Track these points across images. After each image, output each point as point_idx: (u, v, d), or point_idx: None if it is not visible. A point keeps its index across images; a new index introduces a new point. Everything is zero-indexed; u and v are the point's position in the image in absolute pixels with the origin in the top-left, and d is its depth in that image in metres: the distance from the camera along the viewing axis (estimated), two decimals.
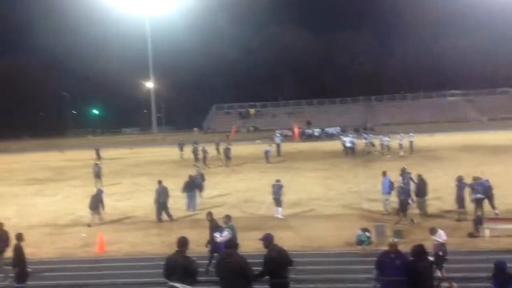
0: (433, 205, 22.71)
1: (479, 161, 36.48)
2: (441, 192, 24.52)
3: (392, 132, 50.32)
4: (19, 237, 14.32)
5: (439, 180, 28.06)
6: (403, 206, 20.16)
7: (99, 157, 48.26)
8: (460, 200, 20.28)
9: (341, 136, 50.05)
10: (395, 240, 12.07)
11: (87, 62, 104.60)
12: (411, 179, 22.26)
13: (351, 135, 50.56)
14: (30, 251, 14.64)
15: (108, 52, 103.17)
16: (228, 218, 15.80)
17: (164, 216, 22.37)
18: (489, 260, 15.35)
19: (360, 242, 17.32)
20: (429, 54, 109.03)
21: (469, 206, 20.34)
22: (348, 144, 46.06)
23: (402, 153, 43.17)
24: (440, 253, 13.91)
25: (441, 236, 14.43)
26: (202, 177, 26.07)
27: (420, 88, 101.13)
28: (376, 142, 47.33)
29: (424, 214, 20.77)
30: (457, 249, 16.55)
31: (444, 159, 39.44)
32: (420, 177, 21.55)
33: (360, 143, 48.70)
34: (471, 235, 17.73)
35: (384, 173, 22.92)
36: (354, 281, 13.44)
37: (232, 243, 10.94)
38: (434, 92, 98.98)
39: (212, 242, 15.40)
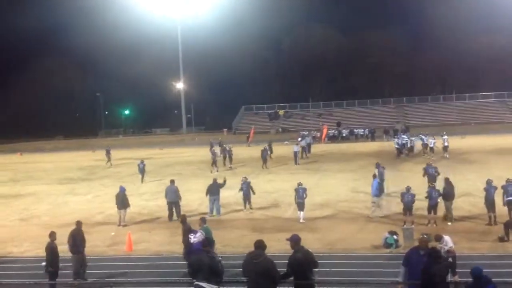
0: (463, 208, 22.44)
1: (511, 164, 35.76)
2: (472, 196, 24.16)
3: (421, 134, 49.66)
4: (52, 235, 14.66)
5: (469, 183, 27.64)
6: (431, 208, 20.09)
7: (109, 158, 48.97)
8: (489, 204, 19.96)
9: (395, 138, 48.18)
10: (426, 236, 11.98)
11: (119, 63, 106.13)
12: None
13: (405, 136, 48.27)
14: (61, 248, 14.94)
15: (140, 53, 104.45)
16: (203, 220, 15.80)
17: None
18: None
19: (387, 245, 17.20)
20: (462, 54, 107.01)
21: (501, 209, 20.01)
22: (402, 144, 44.64)
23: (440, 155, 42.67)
24: (450, 260, 13.50)
25: (448, 243, 14.11)
26: (248, 185, 24.31)
27: (452, 89, 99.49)
28: (417, 143, 46.50)
29: (451, 218, 20.51)
30: (487, 253, 16.34)
31: (476, 162, 38.77)
32: (447, 180, 21.32)
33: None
34: (501, 240, 17.43)
35: (374, 176, 23.43)
36: (381, 284, 13.38)
37: (260, 244, 10.93)
38: (467, 94, 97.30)
39: (186, 244, 15.35)
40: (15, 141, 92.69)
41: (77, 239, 15.35)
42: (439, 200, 20.33)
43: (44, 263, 14.28)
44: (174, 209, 22.94)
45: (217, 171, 38.35)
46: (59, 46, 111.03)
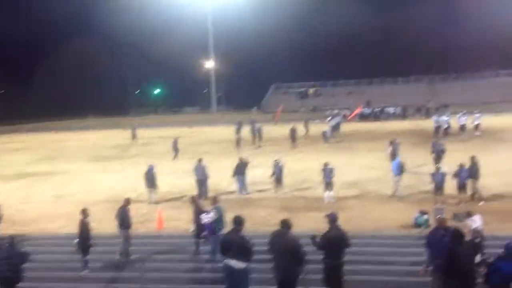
0: (496, 188, 22.09)
1: None
2: (505, 175, 23.71)
3: (454, 112, 48.81)
4: (84, 212, 14.95)
5: (503, 162, 27.10)
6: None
7: (134, 136, 49.42)
8: None
9: (435, 116, 46.74)
10: (443, 216, 11.91)
11: (150, 42, 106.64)
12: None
13: (446, 115, 46.38)
14: (93, 225, 15.24)
15: (170, 32, 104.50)
16: (215, 200, 15.67)
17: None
18: None
19: (417, 225, 17.06)
20: (497, 31, 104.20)
21: None
22: (446, 125, 43.31)
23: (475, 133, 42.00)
24: (476, 240, 13.11)
25: (476, 221, 13.81)
26: (280, 169, 23.97)
27: (486, 66, 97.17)
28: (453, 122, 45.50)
29: (480, 197, 20.19)
30: None
31: (510, 140, 37.95)
32: (473, 159, 20.95)
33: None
34: None
35: (394, 155, 23.63)
36: (411, 264, 13.31)
37: (286, 222, 11.01)
38: (502, 71, 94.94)
39: (197, 224, 15.33)
40: (47, 120, 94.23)
41: (125, 216, 15.66)
42: (467, 180, 20.02)
43: (76, 240, 14.59)
44: (202, 187, 23.13)
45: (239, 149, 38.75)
46: (90, 27, 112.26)
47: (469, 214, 14.37)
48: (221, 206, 15.46)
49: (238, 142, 40.71)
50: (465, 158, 21.68)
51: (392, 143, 28.73)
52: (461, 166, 20.31)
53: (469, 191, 20.30)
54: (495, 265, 9.89)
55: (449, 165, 22.29)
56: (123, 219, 15.56)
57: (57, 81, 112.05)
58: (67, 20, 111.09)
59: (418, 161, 29.43)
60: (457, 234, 10.56)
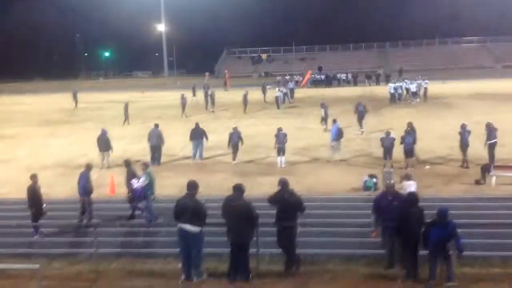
0: (442, 151, 22.92)
1: (491, 109, 36.24)
2: (450, 140, 24.51)
3: (405, 79, 49.83)
4: (33, 178, 14.67)
5: (448, 127, 27.99)
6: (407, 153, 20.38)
7: (76, 101, 48.55)
8: (463, 147, 20.41)
9: (389, 84, 47.34)
10: (392, 182, 12.35)
11: (99, 4, 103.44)
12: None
13: (396, 81, 46.93)
14: (43, 191, 15.00)
15: None
16: (145, 165, 15.88)
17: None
18: (495, 206, 15.64)
19: (367, 188, 17.59)
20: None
21: (477, 152, 20.55)
22: (392, 91, 43.78)
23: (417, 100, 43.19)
24: None
25: (411, 186, 14.33)
26: (239, 136, 23.30)
27: (435, 34, 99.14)
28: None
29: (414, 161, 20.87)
30: (463, 195, 16.79)
31: (456, 106, 39.23)
32: (410, 124, 21.68)
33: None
34: (477, 182, 17.88)
35: (334, 121, 23.69)
36: (359, 226, 13.75)
37: (239, 187, 11.14)
38: (450, 39, 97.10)
39: (129, 188, 15.53)
40: None
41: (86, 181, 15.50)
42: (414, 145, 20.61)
43: (44, 205, 14.47)
44: (155, 153, 22.94)
45: (186, 116, 38.41)
46: None
47: (407, 177, 14.92)
48: (152, 172, 15.72)
49: (207, 102, 42.28)
50: (414, 124, 22.31)
51: (322, 105, 31.00)
52: (408, 132, 20.85)
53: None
54: (428, 229, 10.47)
55: (397, 130, 22.87)
56: (85, 184, 15.38)
57: (3, 43, 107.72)
58: None
59: (368, 127, 30.07)
60: (412, 198, 11.07)
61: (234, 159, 22.84)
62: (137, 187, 14.91)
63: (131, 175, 15.65)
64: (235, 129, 23.33)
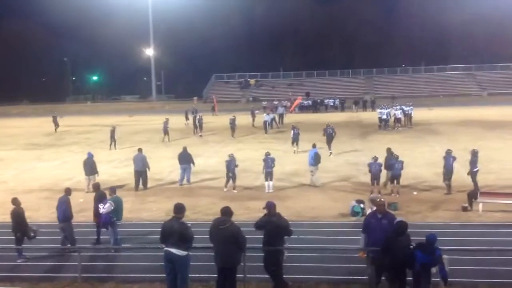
0: (428, 178, 22.99)
1: (477, 135, 36.61)
2: (437, 166, 24.61)
3: (389, 105, 50.24)
4: (15, 201, 14.46)
5: (435, 154, 28.20)
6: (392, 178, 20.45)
7: (56, 125, 48.47)
8: (447, 172, 20.47)
9: (378, 109, 47.19)
10: (382, 199, 12.28)
11: (88, 28, 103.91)
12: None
13: (385, 107, 46.51)
14: (28, 214, 14.80)
15: (109, 18, 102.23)
16: (112, 190, 15.72)
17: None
18: (482, 233, 15.66)
19: (354, 213, 17.56)
20: (433, 27, 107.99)
21: (462, 179, 20.64)
22: (384, 117, 43.74)
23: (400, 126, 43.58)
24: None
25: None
26: (234, 163, 22.18)
27: (421, 61, 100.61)
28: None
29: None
30: (450, 222, 16.80)
31: (442, 133, 39.55)
32: (388, 150, 21.80)
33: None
34: (464, 209, 17.90)
35: (313, 145, 23.93)
36: (346, 251, 13.68)
37: (227, 210, 11.05)
38: (436, 66, 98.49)
39: (95, 212, 15.37)
40: None
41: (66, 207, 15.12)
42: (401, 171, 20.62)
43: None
44: (141, 178, 22.59)
45: (168, 140, 38.34)
46: (26, 8, 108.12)
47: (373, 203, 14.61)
48: (119, 197, 15.50)
49: (196, 127, 42.19)
50: (399, 150, 22.41)
51: (293, 128, 33.05)
52: (396, 157, 20.89)
53: (403, 182, 20.98)
54: (414, 253, 10.46)
55: (383, 156, 22.96)
56: (65, 210, 15.08)
57: None
58: (3, 2, 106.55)
59: (356, 152, 30.20)
60: (401, 226, 10.76)
61: (226, 186, 22.12)
62: (103, 212, 14.73)
63: (99, 199, 15.44)
64: (231, 156, 22.41)
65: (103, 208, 14.69)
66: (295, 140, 32.07)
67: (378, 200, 12.32)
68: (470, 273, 12.44)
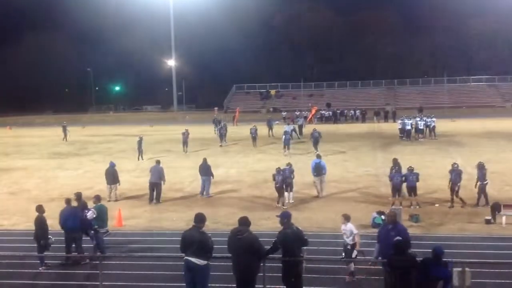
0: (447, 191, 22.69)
1: (500, 148, 36.10)
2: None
3: (412, 116, 49.82)
4: (40, 209, 14.63)
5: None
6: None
7: (65, 135, 49.00)
8: (453, 186, 20.16)
9: (401, 119, 45.99)
10: (393, 210, 12.18)
11: (111, 39, 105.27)
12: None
13: (409, 118, 45.63)
14: (49, 223, 14.94)
15: (132, 29, 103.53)
16: (97, 198, 15.76)
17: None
18: (505, 247, 15.41)
19: (375, 224, 17.40)
20: (455, 37, 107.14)
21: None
22: (408, 127, 43.24)
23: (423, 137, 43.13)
24: (349, 247, 13.24)
25: (347, 231, 13.48)
26: (290, 171, 21.53)
27: (444, 72, 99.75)
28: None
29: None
30: (473, 234, 16.57)
31: (464, 144, 39.04)
32: (395, 161, 21.86)
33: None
34: (488, 222, 17.66)
35: (317, 156, 24.11)
36: (366, 262, 13.56)
37: (245, 220, 10.99)
38: (458, 77, 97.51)
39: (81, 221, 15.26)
40: (4, 115, 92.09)
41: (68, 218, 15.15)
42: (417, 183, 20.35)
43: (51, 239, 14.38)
44: (155, 190, 22.19)
45: (186, 151, 38.03)
46: (51, 20, 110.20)
47: (346, 219, 13.82)
48: (103, 205, 15.58)
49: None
50: (421, 161, 22.19)
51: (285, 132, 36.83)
52: (410, 170, 20.58)
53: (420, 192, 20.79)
54: (423, 266, 10.15)
55: (405, 168, 22.75)
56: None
57: (15, 76, 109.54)
58: (27, 13, 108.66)
59: (376, 163, 29.99)
60: (397, 246, 10.47)
61: (288, 201, 21.36)
62: (87, 218, 14.83)
63: (82, 208, 15.47)
64: (289, 165, 21.80)
65: (86, 216, 14.81)
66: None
67: (390, 210, 12.26)
68: (493, 286, 12.25)
